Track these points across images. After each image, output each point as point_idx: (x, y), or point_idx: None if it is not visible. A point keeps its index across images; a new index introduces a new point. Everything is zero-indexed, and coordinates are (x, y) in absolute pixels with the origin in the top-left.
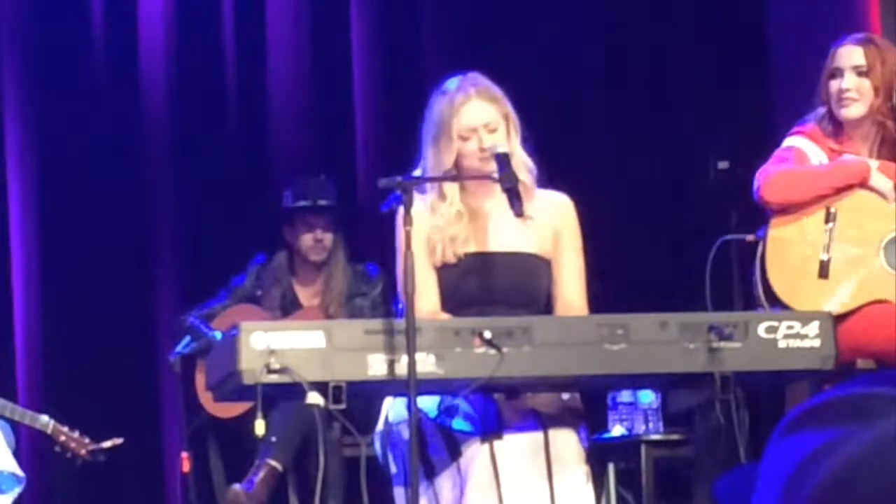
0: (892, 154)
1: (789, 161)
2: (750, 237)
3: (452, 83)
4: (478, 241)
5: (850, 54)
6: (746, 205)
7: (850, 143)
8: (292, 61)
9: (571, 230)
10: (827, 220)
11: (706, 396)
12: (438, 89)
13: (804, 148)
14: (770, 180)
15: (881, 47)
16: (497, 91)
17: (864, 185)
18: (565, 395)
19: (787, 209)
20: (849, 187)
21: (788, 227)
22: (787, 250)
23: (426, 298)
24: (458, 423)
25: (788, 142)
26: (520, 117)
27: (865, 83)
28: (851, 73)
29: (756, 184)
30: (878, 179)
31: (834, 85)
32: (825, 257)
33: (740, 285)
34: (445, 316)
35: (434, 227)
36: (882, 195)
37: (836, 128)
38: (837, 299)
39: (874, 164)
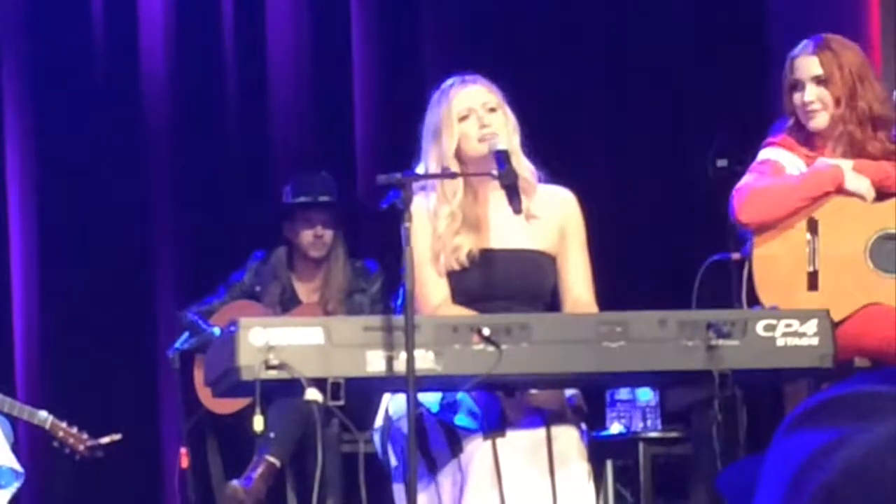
0: (864, 157)
1: (765, 175)
2: (736, 255)
3: (448, 81)
4: (481, 239)
5: (808, 65)
6: None
7: (824, 149)
8: (292, 58)
9: (576, 226)
10: (809, 232)
11: (704, 394)
12: (436, 90)
13: (780, 159)
14: (744, 201)
15: (837, 51)
16: (497, 90)
17: (840, 189)
18: (568, 392)
19: (767, 227)
20: (825, 195)
21: (772, 243)
22: (774, 267)
23: (436, 291)
24: (461, 419)
25: (763, 154)
26: (519, 115)
27: (826, 93)
28: (811, 83)
29: (731, 205)
30: (854, 182)
31: (797, 97)
32: (812, 269)
33: (737, 296)
34: (456, 307)
35: (435, 236)
36: (860, 196)
37: (808, 135)
38: (831, 309)
39: (848, 164)
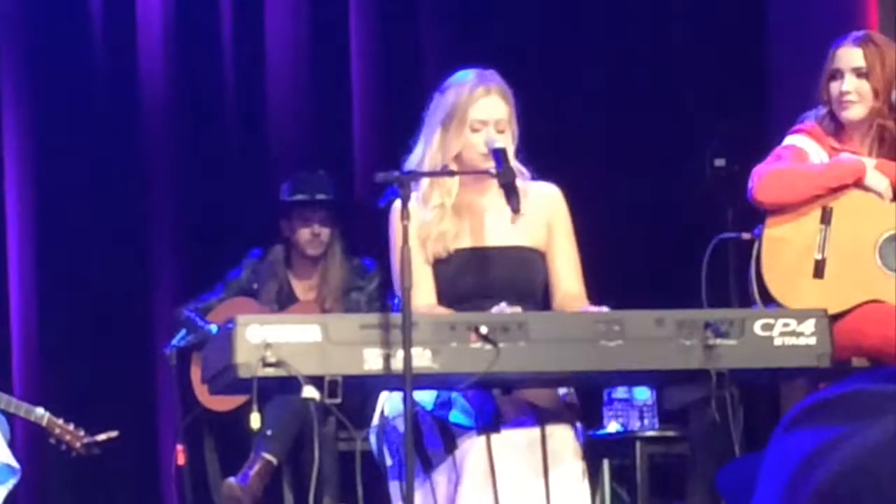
0: (892, 154)
1: (786, 160)
2: (746, 235)
3: (470, 74)
4: (472, 237)
5: (850, 56)
6: (743, 202)
7: (851, 143)
8: (291, 57)
9: (563, 220)
10: (822, 220)
11: (702, 393)
12: (452, 78)
13: (805, 146)
14: (763, 180)
15: (881, 46)
16: (510, 95)
17: (859, 184)
18: (562, 391)
19: (782, 209)
20: (844, 187)
21: (784, 226)
22: (783, 249)
23: (423, 293)
24: (455, 416)
25: (789, 140)
26: (517, 114)
27: (865, 85)
28: (851, 74)
29: (750, 183)
30: (874, 178)
31: (834, 87)
32: (820, 257)
33: (736, 283)
34: (442, 310)
35: (423, 223)
36: (878, 194)
37: (837, 127)
38: (832, 299)
39: (871, 162)
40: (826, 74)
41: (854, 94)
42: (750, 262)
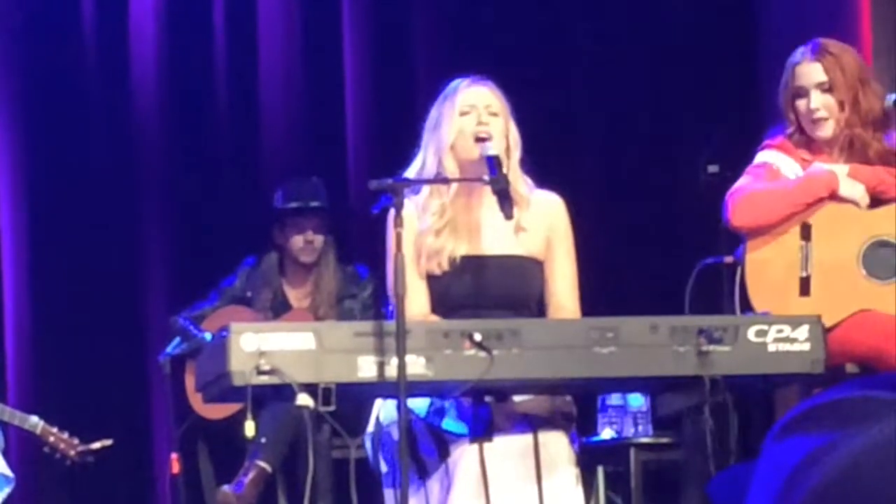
0: (864, 160)
1: (760, 178)
2: (729, 259)
3: (458, 80)
4: (470, 244)
5: (811, 72)
6: None
7: (822, 154)
8: (284, 63)
9: (564, 232)
10: (802, 237)
11: (696, 400)
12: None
13: (776, 162)
14: (737, 205)
15: (837, 55)
16: (504, 98)
17: (833, 196)
18: (557, 400)
19: (759, 231)
20: (819, 200)
21: (765, 247)
22: (766, 271)
23: (416, 302)
24: (448, 424)
25: (760, 157)
26: (514, 120)
27: (831, 99)
28: (816, 91)
29: (724, 209)
30: (848, 188)
31: (801, 105)
32: (805, 274)
33: (730, 305)
34: (435, 319)
35: (420, 233)
36: (854, 203)
37: (808, 140)
38: (822, 315)
39: (843, 170)
40: (788, 92)
41: (823, 110)
42: (734, 287)
